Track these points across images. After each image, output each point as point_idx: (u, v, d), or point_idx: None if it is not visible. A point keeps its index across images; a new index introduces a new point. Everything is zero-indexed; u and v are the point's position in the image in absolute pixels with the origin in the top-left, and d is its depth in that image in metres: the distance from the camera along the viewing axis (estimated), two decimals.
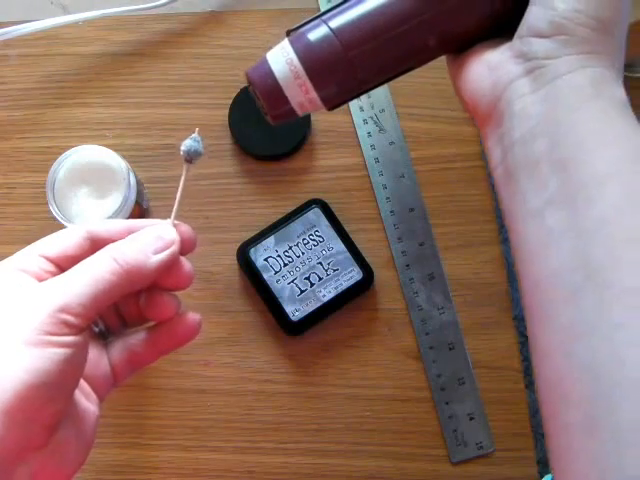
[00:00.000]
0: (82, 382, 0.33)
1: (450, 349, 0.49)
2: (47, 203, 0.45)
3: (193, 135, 0.35)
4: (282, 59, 0.33)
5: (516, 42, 0.31)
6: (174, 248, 0.33)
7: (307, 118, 0.51)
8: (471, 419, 0.48)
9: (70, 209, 0.45)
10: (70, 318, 0.29)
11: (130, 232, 0.33)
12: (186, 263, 0.34)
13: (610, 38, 0.30)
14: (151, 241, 0.32)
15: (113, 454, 0.48)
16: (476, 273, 0.50)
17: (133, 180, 0.46)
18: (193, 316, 0.34)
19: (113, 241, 0.32)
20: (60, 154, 0.46)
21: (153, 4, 0.53)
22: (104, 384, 0.34)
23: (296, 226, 0.49)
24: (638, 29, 0.40)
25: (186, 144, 0.35)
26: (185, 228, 0.34)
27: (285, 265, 0.48)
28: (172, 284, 0.34)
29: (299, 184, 0.51)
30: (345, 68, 0.33)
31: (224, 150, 0.52)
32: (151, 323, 0.35)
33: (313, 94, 0.33)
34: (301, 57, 0.33)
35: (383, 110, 0.52)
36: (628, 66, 0.51)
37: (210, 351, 0.49)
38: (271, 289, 0.48)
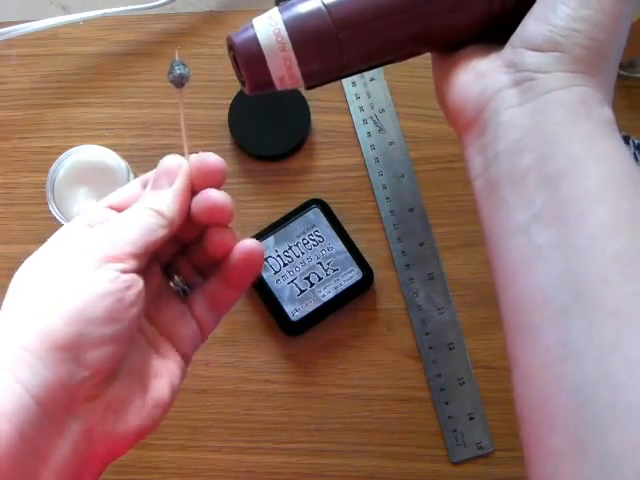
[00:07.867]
0: (159, 341, 0.33)
1: (450, 349, 0.49)
2: (47, 203, 0.45)
3: (176, 60, 0.33)
4: (269, 28, 0.31)
5: (508, 51, 0.31)
6: (181, 175, 0.33)
7: (307, 118, 0.51)
8: (471, 419, 0.48)
9: (70, 209, 0.45)
10: (110, 253, 0.30)
11: None
12: (220, 196, 0.33)
13: (603, 60, 0.30)
14: (162, 178, 0.33)
15: None
16: (476, 273, 0.50)
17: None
18: (250, 241, 0.34)
19: None
20: (60, 154, 0.46)
21: (153, 4, 0.53)
22: (190, 341, 0.34)
23: (296, 226, 0.49)
24: (638, 29, 0.40)
25: (173, 70, 0.33)
26: (207, 155, 0.34)
27: (285, 265, 0.48)
28: (212, 219, 0.33)
29: (299, 184, 0.51)
30: (333, 48, 0.32)
31: (224, 150, 0.52)
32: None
33: (296, 69, 0.32)
34: (290, 29, 0.31)
35: (383, 110, 0.52)
36: (628, 66, 0.51)
37: (210, 351, 0.49)
38: (271, 289, 0.48)
